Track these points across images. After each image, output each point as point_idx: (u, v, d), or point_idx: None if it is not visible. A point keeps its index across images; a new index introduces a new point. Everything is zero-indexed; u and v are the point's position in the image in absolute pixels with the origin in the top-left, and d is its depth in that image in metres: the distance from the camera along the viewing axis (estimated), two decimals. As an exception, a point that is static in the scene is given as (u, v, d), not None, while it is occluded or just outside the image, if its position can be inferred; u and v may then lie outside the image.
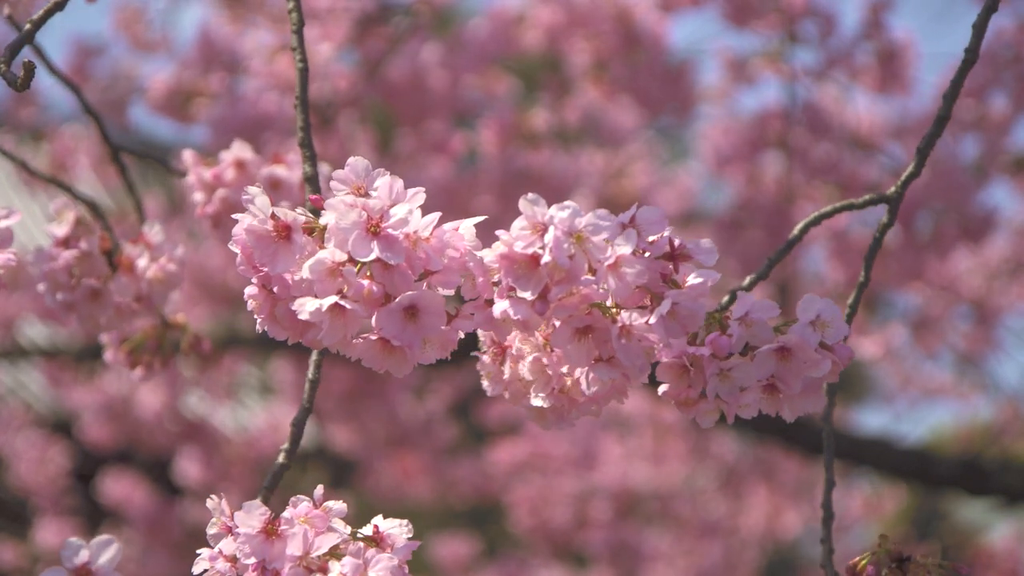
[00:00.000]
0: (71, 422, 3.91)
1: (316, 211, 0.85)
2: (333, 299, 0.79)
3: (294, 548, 0.81)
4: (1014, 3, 2.66)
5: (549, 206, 0.78)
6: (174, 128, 3.38)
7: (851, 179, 2.89)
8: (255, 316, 0.85)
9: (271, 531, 0.82)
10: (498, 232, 0.79)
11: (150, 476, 3.96)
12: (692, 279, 0.80)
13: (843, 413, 4.27)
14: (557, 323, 0.80)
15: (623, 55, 2.93)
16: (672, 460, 4.00)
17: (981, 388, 4.00)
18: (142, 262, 1.24)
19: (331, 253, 0.80)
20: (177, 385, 3.58)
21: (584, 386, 0.82)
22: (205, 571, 0.83)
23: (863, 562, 0.94)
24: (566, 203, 0.78)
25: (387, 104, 2.95)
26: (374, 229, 0.80)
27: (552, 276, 0.78)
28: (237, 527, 0.82)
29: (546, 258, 0.77)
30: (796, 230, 0.97)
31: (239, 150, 1.33)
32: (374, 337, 0.82)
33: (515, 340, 0.87)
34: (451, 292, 0.82)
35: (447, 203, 2.79)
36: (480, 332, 0.89)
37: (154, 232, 1.27)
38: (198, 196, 1.33)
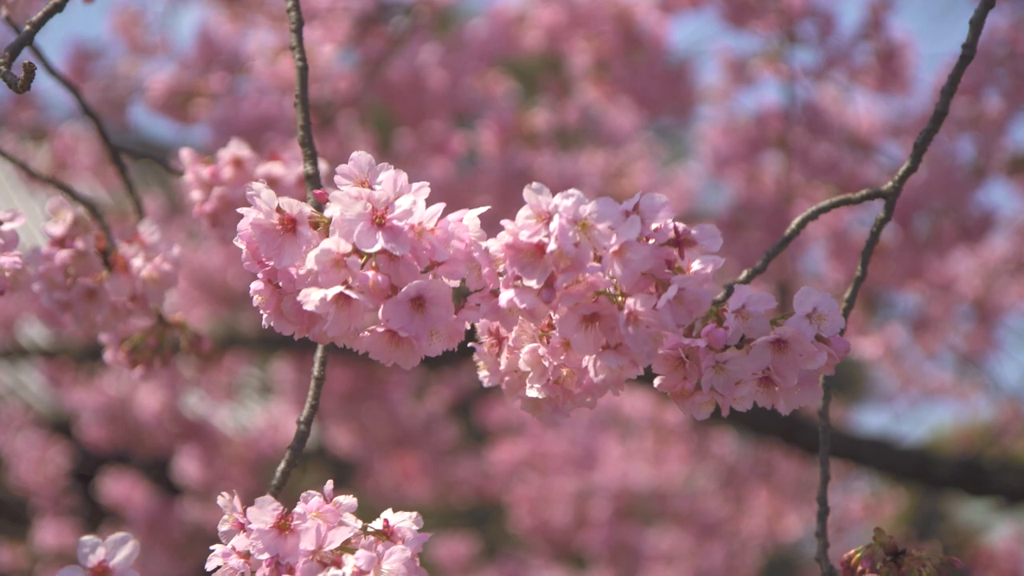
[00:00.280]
0: (71, 422, 3.91)
1: (320, 208, 0.85)
2: (338, 289, 0.79)
3: (307, 543, 0.81)
4: (1012, 2, 2.66)
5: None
6: (175, 129, 3.38)
7: (850, 179, 2.89)
8: (261, 311, 0.85)
9: (284, 526, 0.82)
10: (503, 222, 0.79)
11: (150, 476, 3.96)
12: (697, 264, 0.80)
13: (843, 414, 4.27)
14: (562, 311, 0.80)
15: (623, 55, 2.94)
16: (672, 461, 4.00)
17: (981, 388, 4.00)
18: (137, 261, 1.24)
19: (336, 243, 0.80)
20: (177, 385, 3.59)
21: (592, 373, 0.82)
22: (218, 568, 0.83)
23: (858, 555, 0.94)
24: (570, 191, 0.78)
25: (387, 104, 2.95)
26: (379, 220, 0.80)
27: (558, 264, 0.78)
28: (250, 523, 0.82)
29: (551, 246, 0.77)
30: (793, 224, 0.98)
31: (236, 148, 1.33)
32: (381, 329, 0.81)
33: (513, 331, 0.87)
34: (456, 283, 0.82)
35: (447, 203, 2.79)
36: (478, 324, 0.89)
37: (149, 231, 1.27)
38: (196, 194, 1.33)
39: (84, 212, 1.29)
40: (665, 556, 4.02)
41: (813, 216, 0.97)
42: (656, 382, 0.85)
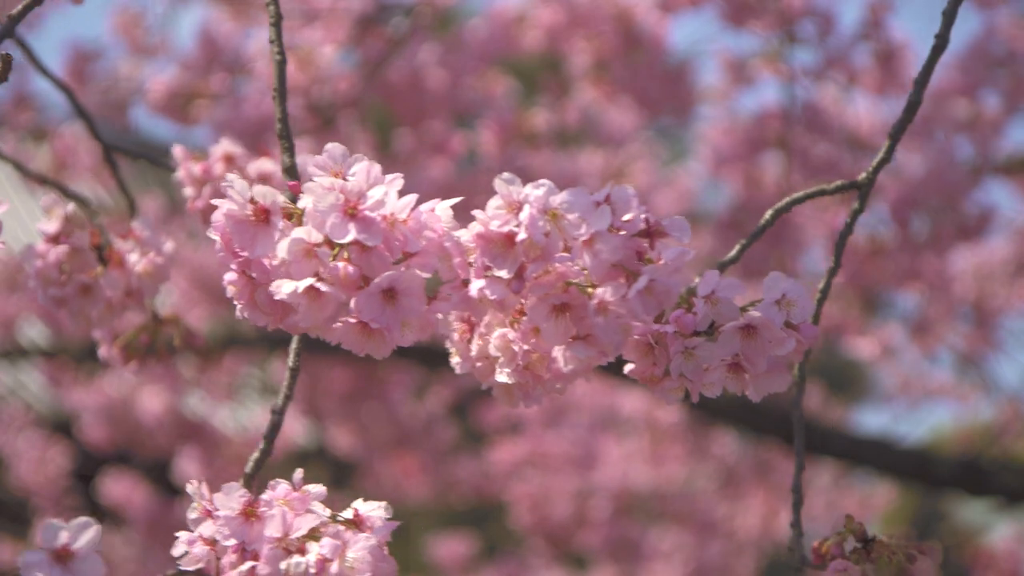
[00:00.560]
0: (71, 422, 3.91)
1: (296, 199, 0.85)
2: (309, 281, 0.79)
3: (273, 529, 0.81)
4: (1012, 2, 2.66)
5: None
6: (176, 130, 3.39)
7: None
8: (235, 302, 0.85)
9: (250, 513, 0.82)
10: (475, 212, 0.79)
11: (150, 476, 3.97)
12: (667, 255, 0.80)
13: (843, 414, 4.27)
14: (532, 301, 0.80)
15: (623, 55, 2.93)
16: (671, 461, 4.00)
17: (981, 388, 3.99)
18: (132, 256, 1.25)
19: (307, 233, 0.80)
20: (177, 386, 3.59)
21: (561, 363, 0.82)
22: (184, 554, 0.83)
23: (828, 543, 0.94)
24: (541, 181, 0.78)
25: (387, 104, 2.95)
26: (351, 211, 0.79)
27: (528, 254, 0.78)
28: (217, 510, 0.82)
29: (521, 236, 0.77)
30: (768, 215, 0.98)
31: (228, 144, 1.33)
32: (353, 320, 0.82)
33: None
34: (429, 274, 0.82)
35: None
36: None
37: (143, 227, 1.27)
38: (188, 191, 1.34)
39: (78, 209, 1.29)
40: (665, 555, 4.02)
41: (786, 208, 0.98)
42: (626, 368, 0.85)
